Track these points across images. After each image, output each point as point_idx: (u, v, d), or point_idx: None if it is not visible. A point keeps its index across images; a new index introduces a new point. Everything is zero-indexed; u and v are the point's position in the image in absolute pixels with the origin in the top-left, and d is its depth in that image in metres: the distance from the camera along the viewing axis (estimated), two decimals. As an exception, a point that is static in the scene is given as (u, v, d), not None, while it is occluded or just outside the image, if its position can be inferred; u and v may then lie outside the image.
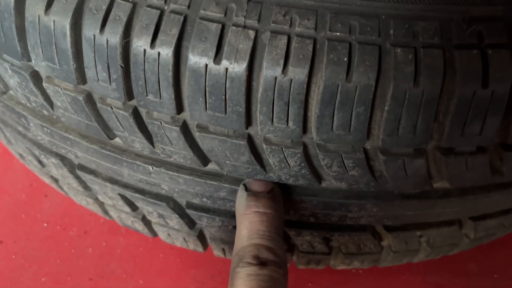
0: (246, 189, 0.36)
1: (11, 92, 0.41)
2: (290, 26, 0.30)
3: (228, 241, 0.45)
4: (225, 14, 0.30)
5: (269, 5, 0.30)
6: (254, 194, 0.35)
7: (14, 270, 0.51)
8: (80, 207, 0.57)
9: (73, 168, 0.44)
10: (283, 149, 0.33)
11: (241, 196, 0.36)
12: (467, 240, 0.46)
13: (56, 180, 0.49)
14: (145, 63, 0.31)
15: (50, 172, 0.48)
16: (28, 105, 0.39)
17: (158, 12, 0.31)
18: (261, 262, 0.32)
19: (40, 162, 0.47)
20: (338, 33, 0.30)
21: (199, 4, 0.31)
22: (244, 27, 0.30)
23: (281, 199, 0.36)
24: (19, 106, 0.41)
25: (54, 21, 0.32)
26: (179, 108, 0.33)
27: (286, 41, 0.30)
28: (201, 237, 0.46)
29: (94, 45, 0.32)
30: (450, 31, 0.30)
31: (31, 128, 0.42)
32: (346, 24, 0.30)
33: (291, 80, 0.30)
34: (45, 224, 0.55)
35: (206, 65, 0.30)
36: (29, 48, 0.34)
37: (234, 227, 0.42)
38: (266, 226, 0.34)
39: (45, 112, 0.39)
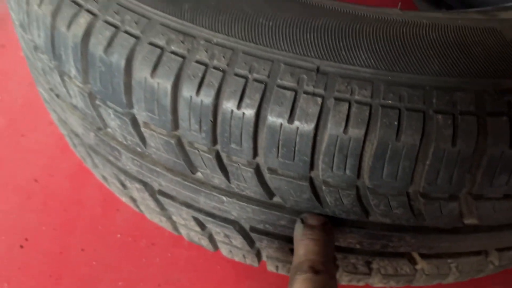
0: (303, 222, 0.43)
1: (107, 129, 0.49)
2: (351, 94, 0.37)
3: (282, 260, 0.52)
4: (298, 83, 0.38)
5: (334, 77, 0.37)
6: (310, 226, 0.43)
7: (95, 275, 0.59)
8: (148, 221, 0.65)
9: (153, 193, 0.52)
10: (339, 190, 0.40)
11: (299, 227, 0.43)
12: (492, 266, 0.52)
13: (134, 200, 0.57)
14: (231, 120, 0.39)
15: (131, 194, 0.56)
16: (124, 142, 0.47)
17: (244, 80, 0.38)
18: (315, 271, 0.39)
19: (123, 185, 0.55)
20: (390, 101, 0.37)
21: (277, 74, 0.38)
22: (313, 94, 0.37)
23: (333, 234, 0.43)
24: (113, 141, 0.49)
25: (158, 83, 0.40)
26: (255, 154, 0.40)
27: (347, 107, 0.37)
28: (258, 255, 0.53)
29: (190, 104, 0.39)
30: (484, 100, 0.37)
31: (122, 159, 0.50)
32: (396, 93, 0.37)
33: (350, 138, 0.37)
34: (119, 235, 0.64)
35: (281, 124, 0.37)
36: (133, 100, 0.42)
37: (290, 249, 0.49)
38: (319, 247, 0.41)
39: (138, 149, 0.47)
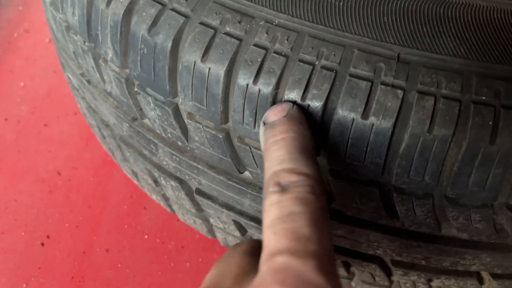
0: (264, 123, 0.34)
1: (144, 120, 0.45)
2: (437, 87, 0.32)
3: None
4: (374, 72, 0.32)
5: (416, 67, 0.32)
6: (270, 125, 0.34)
7: (121, 278, 0.55)
8: (177, 221, 0.60)
9: (190, 192, 0.47)
10: (413, 199, 0.35)
11: (261, 130, 0.34)
12: None
13: (166, 199, 0.52)
14: (294, 113, 0.33)
15: (164, 192, 0.51)
16: (163, 135, 0.43)
17: (310, 67, 0.33)
18: (282, 189, 0.29)
19: (155, 182, 0.50)
20: (483, 97, 0.31)
21: (349, 61, 0.33)
22: (393, 86, 0.32)
23: (302, 117, 0.33)
24: (150, 134, 0.44)
25: (209, 68, 0.35)
26: (317, 154, 0.35)
27: (433, 102, 0.31)
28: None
29: (246, 93, 0.34)
30: None
31: (159, 153, 0.45)
32: (491, 88, 0.31)
33: (435, 139, 0.31)
34: (146, 236, 0.59)
35: (353, 119, 0.32)
36: (178, 88, 0.37)
37: (343, 261, 0.44)
38: (284, 150, 0.31)
39: (178, 143, 0.42)
